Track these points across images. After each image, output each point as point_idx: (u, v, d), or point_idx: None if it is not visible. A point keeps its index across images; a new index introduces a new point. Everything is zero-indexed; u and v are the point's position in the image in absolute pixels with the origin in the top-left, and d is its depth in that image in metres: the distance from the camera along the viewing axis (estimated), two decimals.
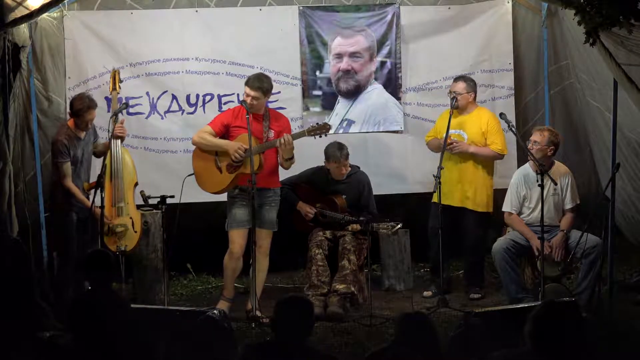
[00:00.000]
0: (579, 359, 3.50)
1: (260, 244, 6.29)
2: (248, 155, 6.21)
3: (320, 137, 6.40)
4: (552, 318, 3.51)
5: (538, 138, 6.45)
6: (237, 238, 6.43)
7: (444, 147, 6.71)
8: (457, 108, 6.90)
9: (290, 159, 6.34)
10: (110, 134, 6.45)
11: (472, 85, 7.03)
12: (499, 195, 7.07)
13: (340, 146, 6.91)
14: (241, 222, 6.41)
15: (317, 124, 6.45)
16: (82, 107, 6.43)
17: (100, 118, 7.02)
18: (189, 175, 6.48)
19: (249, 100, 6.31)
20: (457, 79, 7.07)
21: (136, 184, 6.62)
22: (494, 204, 7.12)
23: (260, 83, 6.37)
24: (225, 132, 6.48)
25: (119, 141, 6.53)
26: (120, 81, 6.81)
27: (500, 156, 7.04)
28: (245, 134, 6.24)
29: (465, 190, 6.96)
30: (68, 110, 6.63)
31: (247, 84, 6.39)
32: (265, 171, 6.31)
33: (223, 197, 6.57)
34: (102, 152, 6.62)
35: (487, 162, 7.03)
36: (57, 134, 6.61)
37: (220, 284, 7.31)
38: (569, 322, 3.51)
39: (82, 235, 6.58)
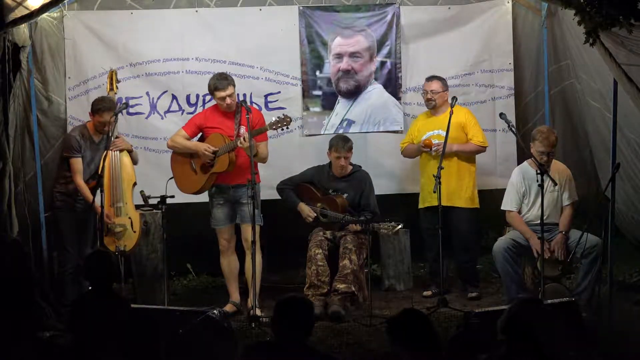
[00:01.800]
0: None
1: (245, 238, 6.40)
2: (218, 155, 6.36)
3: (283, 129, 6.47)
4: (520, 318, 3.55)
5: (549, 147, 6.36)
6: (221, 235, 6.61)
7: (444, 147, 6.70)
8: (434, 107, 6.96)
9: (255, 156, 6.33)
10: (110, 134, 6.46)
11: (445, 83, 7.07)
12: (499, 195, 7.06)
13: (344, 138, 6.98)
14: (220, 221, 6.58)
15: (279, 117, 6.46)
16: (101, 106, 6.51)
17: None
18: (170, 179, 6.58)
19: (227, 101, 6.40)
20: (430, 78, 7.09)
21: (135, 184, 6.63)
22: (493, 203, 7.13)
23: (227, 79, 6.48)
24: (200, 132, 6.59)
25: (117, 140, 6.55)
26: (118, 81, 6.82)
27: (483, 149, 7.06)
28: (216, 133, 6.44)
29: (452, 187, 6.96)
30: (89, 110, 6.66)
31: (215, 89, 6.44)
32: (237, 168, 6.37)
33: None
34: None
35: (470, 158, 7.05)
36: (71, 130, 6.76)
37: (221, 284, 7.32)
38: (537, 321, 3.54)
39: (83, 234, 6.57)
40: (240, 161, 6.41)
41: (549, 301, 5.31)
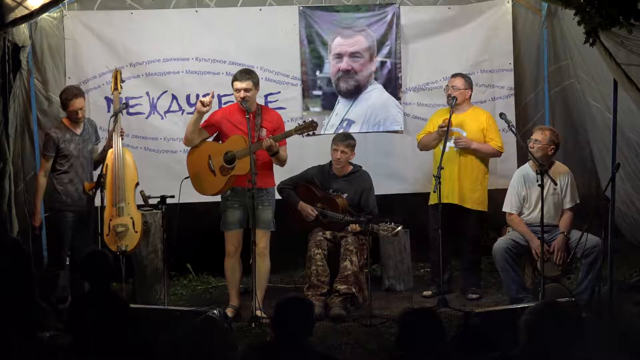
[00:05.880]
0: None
1: (256, 244, 6.28)
2: (238, 157, 6.22)
3: (309, 135, 6.39)
4: (551, 318, 3.50)
5: (539, 136, 6.46)
6: (229, 239, 6.48)
7: (445, 146, 6.70)
8: (456, 105, 6.87)
9: (275, 154, 6.28)
10: (110, 133, 6.45)
11: (469, 82, 7.04)
12: (499, 195, 7.07)
13: (346, 134, 7.05)
14: (232, 224, 6.46)
15: (304, 121, 6.44)
16: (67, 96, 6.44)
17: (101, 118, 7.05)
18: (186, 178, 6.50)
19: (241, 94, 6.29)
20: (455, 75, 7.06)
21: (137, 184, 6.61)
22: (493, 203, 7.12)
23: (249, 74, 6.39)
24: (217, 131, 6.47)
25: (119, 140, 6.52)
26: (122, 81, 6.80)
27: (499, 153, 7.04)
28: (238, 135, 6.30)
29: (465, 188, 6.95)
30: (60, 107, 6.62)
31: (235, 79, 6.38)
32: (257, 172, 6.26)
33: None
34: (101, 159, 6.59)
35: (486, 160, 7.04)
36: (49, 128, 6.68)
37: (221, 284, 7.33)
38: (565, 324, 3.51)
39: (80, 234, 6.53)
40: (261, 163, 6.32)
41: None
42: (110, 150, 6.51)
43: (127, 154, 6.61)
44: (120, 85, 6.75)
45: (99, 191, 6.25)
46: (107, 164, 6.42)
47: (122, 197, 6.49)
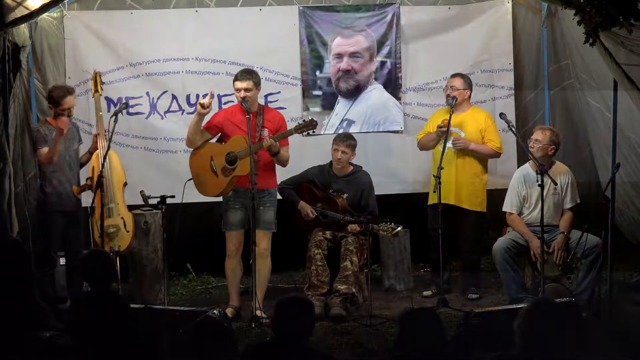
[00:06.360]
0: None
1: (257, 244, 6.26)
2: (240, 157, 6.21)
3: (309, 134, 6.39)
4: (544, 317, 3.49)
5: (540, 136, 6.46)
6: (230, 240, 6.47)
7: (445, 146, 6.70)
8: (455, 105, 6.86)
9: (276, 155, 6.27)
10: (110, 134, 6.43)
11: (469, 82, 7.04)
12: (498, 195, 7.07)
13: (347, 134, 7.06)
14: (234, 225, 6.45)
15: (304, 120, 6.43)
16: (61, 93, 6.43)
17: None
18: (189, 180, 6.49)
19: (242, 94, 6.29)
20: (454, 75, 7.06)
21: (125, 184, 6.59)
22: (493, 203, 7.12)
23: (250, 74, 6.38)
24: (219, 132, 6.46)
25: (104, 143, 6.50)
26: (102, 83, 6.81)
27: (498, 154, 7.04)
28: (239, 135, 6.29)
29: (462, 188, 6.95)
30: (48, 104, 6.62)
31: (236, 79, 6.38)
32: (259, 171, 6.26)
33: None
34: (86, 161, 6.62)
35: (484, 160, 7.03)
36: (36, 125, 6.72)
37: (221, 284, 7.33)
38: (562, 323, 3.50)
39: (73, 234, 6.52)
40: (263, 164, 6.32)
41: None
42: (95, 153, 6.50)
43: (113, 155, 6.58)
44: (101, 88, 6.76)
45: (97, 191, 6.23)
46: (93, 166, 6.41)
47: (111, 198, 6.48)
